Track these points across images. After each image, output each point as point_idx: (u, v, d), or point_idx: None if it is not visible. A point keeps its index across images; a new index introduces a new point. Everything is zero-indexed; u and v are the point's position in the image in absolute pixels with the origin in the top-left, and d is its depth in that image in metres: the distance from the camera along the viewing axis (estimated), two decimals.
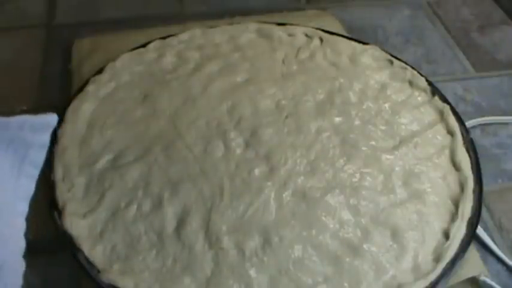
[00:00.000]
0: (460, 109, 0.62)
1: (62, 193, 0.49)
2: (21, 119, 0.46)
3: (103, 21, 0.76)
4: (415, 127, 0.57)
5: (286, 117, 0.57)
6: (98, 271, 0.43)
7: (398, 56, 0.67)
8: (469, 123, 0.60)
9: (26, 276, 0.43)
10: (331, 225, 0.47)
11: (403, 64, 0.65)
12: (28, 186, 0.46)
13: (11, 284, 0.41)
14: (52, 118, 0.47)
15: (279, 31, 0.69)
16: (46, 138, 0.47)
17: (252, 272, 0.44)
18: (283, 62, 0.65)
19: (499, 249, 0.50)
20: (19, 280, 0.42)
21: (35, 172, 0.46)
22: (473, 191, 0.51)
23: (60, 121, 0.55)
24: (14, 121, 0.45)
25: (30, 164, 0.46)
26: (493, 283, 0.46)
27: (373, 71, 0.64)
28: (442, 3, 0.85)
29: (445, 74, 0.71)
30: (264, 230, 0.46)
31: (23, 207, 0.45)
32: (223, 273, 0.44)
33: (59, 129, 0.54)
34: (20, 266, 0.42)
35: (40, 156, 0.46)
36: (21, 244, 0.43)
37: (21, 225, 0.44)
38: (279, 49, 0.67)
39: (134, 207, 0.48)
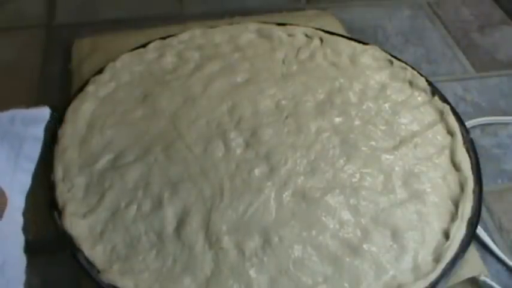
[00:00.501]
0: (460, 109, 0.62)
1: (62, 193, 0.49)
2: (11, 113, 0.46)
3: (103, 22, 0.76)
4: (415, 127, 0.58)
5: (286, 117, 0.57)
6: (98, 271, 0.43)
7: (398, 56, 0.67)
8: (469, 123, 0.60)
9: (26, 276, 0.43)
10: (331, 226, 0.48)
11: (403, 64, 0.65)
12: (24, 180, 0.46)
13: (14, 280, 0.41)
14: (44, 112, 0.47)
15: (279, 31, 0.69)
16: (39, 131, 0.47)
17: (252, 272, 0.44)
18: (283, 62, 0.65)
19: (499, 249, 0.50)
20: (22, 275, 0.42)
21: (30, 166, 0.46)
22: (473, 191, 0.51)
23: (60, 121, 0.55)
24: (4, 115, 0.45)
25: (25, 158, 0.46)
26: (493, 283, 0.46)
27: (373, 71, 0.64)
28: (442, 3, 0.85)
29: (445, 74, 0.71)
30: (264, 230, 0.46)
31: (20, 202, 0.45)
32: (223, 273, 0.44)
33: (59, 129, 0.54)
34: (22, 261, 0.42)
35: (35, 150, 0.46)
36: (21, 239, 0.43)
37: (19, 220, 0.44)
38: (279, 49, 0.67)
39: (134, 207, 0.48)
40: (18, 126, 0.46)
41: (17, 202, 0.45)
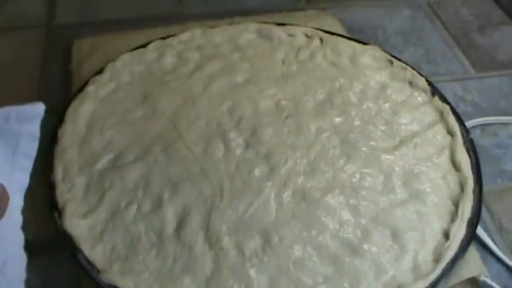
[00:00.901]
0: (460, 109, 0.62)
1: (62, 193, 0.49)
2: (6, 111, 0.45)
3: (103, 22, 0.76)
4: (415, 127, 0.58)
5: (286, 117, 0.57)
6: (98, 271, 0.43)
7: (398, 56, 0.67)
8: (469, 124, 0.60)
9: (26, 275, 0.43)
10: (331, 226, 0.48)
11: (403, 64, 0.65)
12: (22, 178, 0.46)
13: (15, 280, 0.41)
14: (38, 108, 0.47)
15: (278, 31, 0.69)
16: (35, 128, 0.46)
17: (252, 272, 0.44)
18: (283, 62, 0.65)
19: (499, 249, 0.50)
20: (22, 274, 0.42)
21: (28, 164, 0.46)
22: (473, 191, 0.51)
23: (60, 121, 0.55)
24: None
25: (22, 156, 0.46)
26: (493, 283, 0.46)
27: (373, 71, 0.64)
28: (442, 3, 0.85)
29: (445, 74, 0.71)
30: (264, 230, 0.46)
31: (18, 201, 0.45)
32: (223, 274, 0.44)
33: (59, 129, 0.54)
34: (22, 260, 0.42)
35: (32, 148, 0.46)
36: (21, 238, 0.43)
37: (18, 219, 0.44)
38: (279, 49, 0.67)
39: (134, 207, 0.48)
40: (13, 123, 0.46)
41: (15, 201, 0.45)
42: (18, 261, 0.43)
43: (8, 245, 0.42)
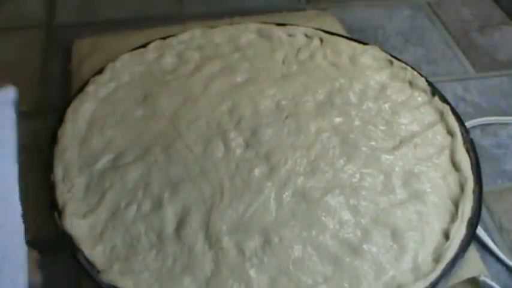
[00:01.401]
0: (460, 109, 0.62)
1: (62, 193, 0.49)
2: None
3: (103, 22, 0.76)
4: (415, 127, 0.58)
5: (286, 117, 0.57)
6: (98, 271, 0.43)
7: (398, 57, 0.67)
8: (469, 124, 0.60)
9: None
10: (331, 226, 0.48)
11: (403, 64, 0.65)
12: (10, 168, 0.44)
13: (14, 271, 0.40)
14: (8, 91, 0.46)
15: (278, 31, 0.69)
16: (10, 114, 0.45)
17: (252, 272, 0.44)
18: (283, 62, 0.65)
19: (499, 249, 0.50)
20: (23, 267, 0.41)
21: (5, 151, 0.45)
22: (473, 192, 0.51)
23: (60, 121, 0.55)
24: None
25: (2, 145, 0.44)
26: (493, 283, 0.46)
27: (373, 71, 0.64)
28: (442, 3, 0.85)
29: (445, 74, 0.71)
30: (264, 230, 0.46)
31: (11, 186, 0.44)
32: (223, 274, 0.44)
33: (59, 129, 0.54)
34: (23, 251, 0.42)
35: (11, 135, 0.45)
36: (20, 227, 0.42)
37: (15, 205, 0.43)
38: (279, 49, 0.67)
39: (134, 207, 0.48)
40: None
41: (7, 187, 0.44)
42: (18, 253, 0.42)
43: (7, 237, 0.42)
